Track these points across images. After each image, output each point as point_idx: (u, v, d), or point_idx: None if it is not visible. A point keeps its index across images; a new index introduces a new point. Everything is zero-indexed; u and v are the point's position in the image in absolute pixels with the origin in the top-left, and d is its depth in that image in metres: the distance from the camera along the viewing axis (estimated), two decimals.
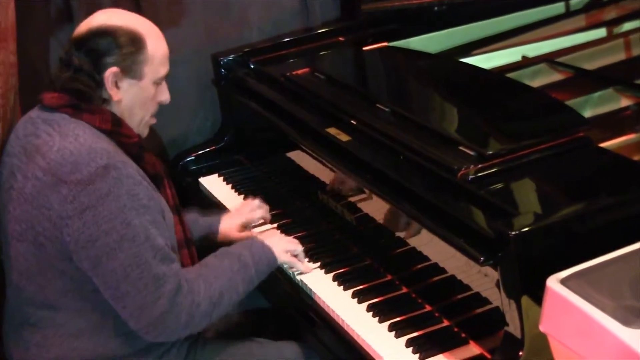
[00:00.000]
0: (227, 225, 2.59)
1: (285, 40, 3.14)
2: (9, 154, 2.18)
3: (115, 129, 2.14)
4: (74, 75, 2.12)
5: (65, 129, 2.09)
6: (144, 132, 2.28)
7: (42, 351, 2.14)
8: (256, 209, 2.64)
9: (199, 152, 3.06)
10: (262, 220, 2.65)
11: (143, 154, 2.19)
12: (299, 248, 2.39)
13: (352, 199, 2.41)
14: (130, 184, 2.03)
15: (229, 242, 2.45)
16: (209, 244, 2.52)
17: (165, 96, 2.27)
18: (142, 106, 2.22)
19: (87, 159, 2.01)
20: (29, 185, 2.07)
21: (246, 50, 3.06)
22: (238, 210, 2.65)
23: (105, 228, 1.99)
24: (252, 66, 3.00)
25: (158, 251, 2.04)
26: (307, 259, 2.41)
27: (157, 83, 2.22)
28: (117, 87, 2.14)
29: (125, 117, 2.19)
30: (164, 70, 2.22)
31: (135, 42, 2.14)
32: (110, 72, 2.12)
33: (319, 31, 3.22)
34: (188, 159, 3.05)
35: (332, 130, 2.43)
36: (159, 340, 2.13)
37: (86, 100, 2.12)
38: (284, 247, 2.35)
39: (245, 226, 2.62)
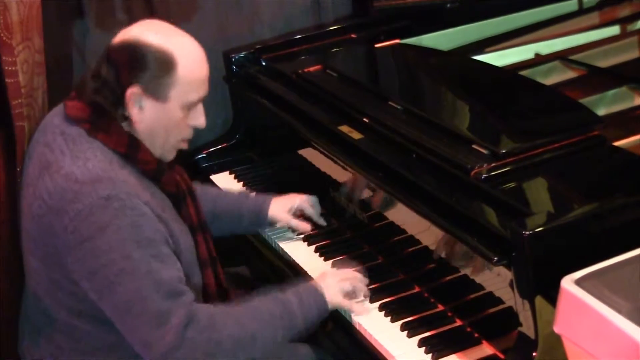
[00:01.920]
0: (277, 210, 2.52)
1: (297, 37, 3.13)
2: (30, 156, 2.12)
3: (130, 152, 2.04)
4: (99, 88, 2.03)
5: (77, 150, 2.00)
6: (168, 156, 2.15)
7: None
8: (307, 202, 2.55)
9: (210, 150, 3.05)
10: (310, 210, 2.56)
11: (161, 177, 2.10)
12: (357, 286, 2.21)
13: (363, 197, 2.40)
14: (133, 215, 1.93)
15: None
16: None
17: (199, 121, 2.14)
18: (165, 129, 2.09)
19: (89, 188, 1.93)
20: (36, 204, 2.01)
21: (258, 47, 3.05)
22: (291, 197, 2.56)
23: (103, 261, 1.92)
24: (264, 63, 2.99)
25: (161, 286, 1.94)
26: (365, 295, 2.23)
27: (186, 108, 2.08)
28: (140, 107, 2.03)
29: (146, 139, 2.07)
30: (195, 95, 2.08)
31: (164, 63, 2.01)
32: (132, 91, 2.01)
33: (331, 28, 3.21)
34: (199, 157, 3.04)
35: (344, 128, 2.42)
36: None
37: (105, 117, 2.04)
38: (338, 289, 2.17)
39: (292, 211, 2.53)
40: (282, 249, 2.48)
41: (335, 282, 2.18)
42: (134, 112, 2.03)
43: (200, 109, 2.13)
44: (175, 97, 2.04)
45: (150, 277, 1.93)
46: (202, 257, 2.19)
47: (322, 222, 2.56)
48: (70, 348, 2.11)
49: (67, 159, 2.00)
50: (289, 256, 2.46)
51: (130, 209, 1.93)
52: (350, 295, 2.18)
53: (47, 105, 2.48)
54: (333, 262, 2.39)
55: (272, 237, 2.55)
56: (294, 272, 2.43)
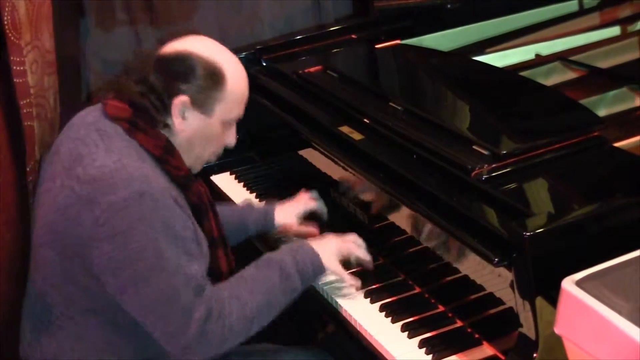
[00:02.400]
0: (283, 218, 2.51)
1: (298, 37, 3.14)
2: (58, 152, 2.11)
3: (164, 157, 2.06)
4: (145, 92, 2.05)
5: (112, 145, 2.02)
6: (197, 168, 2.20)
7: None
8: (313, 199, 2.56)
9: None
10: (320, 211, 2.56)
11: (190, 185, 2.12)
12: (354, 252, 2.25)
13: (364, 198, 2.40)
14: (165, 213, 1.95)
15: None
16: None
17: (231, 140, 2.20)
18: (203, 143, 2.14)
19: (124, 182, 1.94)
20: (63, 194, 2.00)
21: (258, 47, 3.05)
22: (294, 204, 2.55)
23: (135, 256, 1.92)
24: (264, 63, 2.99)
25: (190, 281, 1.96)
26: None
27: (226, 124, 2.14)
28: (184, 117, 2.06)
29: (183, 149, 2.10)
30: (237, 112, 2.15)
31: (215, 77, 2.06)
32: (179, 100, 2.04)
33: (332, 28, 3.22)
34: None
35: (345, 129, 2.42)
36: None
37: (147, 119, 2.06)
38: (335, 251, 2.21)
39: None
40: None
41: (332, 245, 2.21)
42: (177, 121, 2.06)
43: (234, 128, 2.19)
44: (219, 112, 2.09)
45: (180, 272, 1.95)
46: (222, 270, 2.18)
47: (323, 213, 2.56)
48: (72, 348, 2.10)
49: (101, 152, 2.00)
50: None
51: (162, 206, 1.95)
52: (347, 258, 2.23)
53: (58, 105, 2.46)
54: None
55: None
56: None
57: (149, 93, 2.05)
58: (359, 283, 2.24)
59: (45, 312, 2.12)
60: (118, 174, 1.95)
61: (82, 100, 3.01)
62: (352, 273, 2.27)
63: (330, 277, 2.30)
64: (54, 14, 2.77)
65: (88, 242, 1.95)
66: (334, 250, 2.20)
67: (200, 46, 2.09)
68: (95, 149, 2.02)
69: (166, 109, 2.05)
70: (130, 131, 2.05)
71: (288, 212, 2.51)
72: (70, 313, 2.08)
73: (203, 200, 2.15)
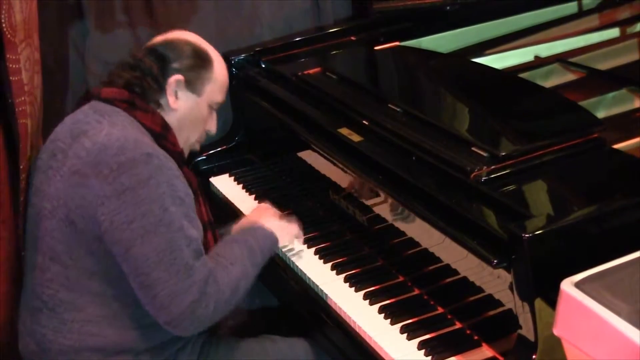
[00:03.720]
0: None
1: (297, 39, 3.14)
2: (52, 140, 2.21)
3: (163, 132, 2.21)
4: (139, 76, 2.22)
5: (115, 119, 2.15)
6: (186, 153, 2.34)
7: (59, 336, 2.15)
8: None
9: (210, 152, 3.05)
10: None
11: (182, 167, 2.22)
12: (296, 230, 2.45)
13: (363, 200, 2.40)
14: (170, 175, 2.08)
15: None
16: None
17: (213, 126, 2.40)
18: (192, 124, 2.31)
19: (132, 145, 2.06)
20: (68, 163, 2.10)
21: (257, 49, 3.05)
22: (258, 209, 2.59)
23: (143, 210, 2.01)
24: (264, 65, 2.99)
25: (191, 242, 2.07)
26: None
27: (211, 107, 2.34)
28: (177, 96, 2.25)
29: (175, 129, 2.26)
30: (221, 97, 2.35)
31: (203, 57, 2.29)
32: (174, 79, 2.23)
33: (331, 30, 3.22)
34: (199, 159, 3.03)
35: (344, 131, 2.42)
36: (187, 332, 2.12)
37: (144, 99, 2.21)
38: (286, 231, 2.40)
39: None
40: (284, 253, 2.48)
41: (281, 223, 2.41)
42: (171, 99, 2.24)
43: (215, 115, 2.40)
44: (207, 93, 2.30)
45: (182, 231, 2.05)
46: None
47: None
48: (72, 319, 2.14)
49: (105, 125, 2.14)
50: (290, 260, 2.46)
51: (167, 168, 2.09)
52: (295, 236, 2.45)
53: (42, 103, 2.47)
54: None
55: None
56: (294, 275, 2.44)
57: (145, 76, 2.23)
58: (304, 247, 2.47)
59: (44, 290, 2.16)
60: (125, 139, 2.07)
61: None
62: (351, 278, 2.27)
63: (328, 278, 2.32)
64: (47, 14, 2.79)
65: (94, 201, 2.04)
66: (284, 229, 2.39)
67: (185, 35, 2.33)
68: (98, 124, 2.14)
69: (161, 89, 2.24)
70: (128, 110, 2.20)
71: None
72: (71, 283, 2.13)
73: (193, 185, 2.23)
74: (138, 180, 2.02)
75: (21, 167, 2.27)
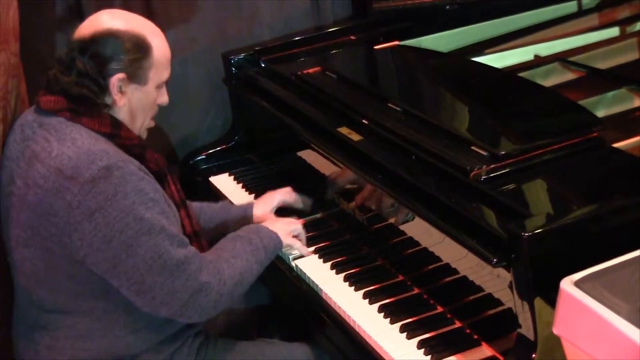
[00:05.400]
0: (262, 210, 2.59)
1: (297, 38, 3.14)
2: (7, 157, 2.16)
3: (114, 131, 2.12)
4: (78, 80, 2.08)
5: (62, 134, 2.06)
6: (144, 135, 2.26)
7: (54, 353, 2.14)
8: (290, 192, 2.64)
9: (210, 151, 3.06)
10: (298, 205, 2.65)
11: (145, 154, 2.17)
12: (298, 227, 2.45)
13: (362, 199, 2.40)
14: (134, 180, 2.01)
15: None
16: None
17: (164, 98, 2.26)
18: (143, 110, 2.20)
19: (86, 161, 1.99)
20: (30, 193, 2.04)
21: (257, 48, 3.05)
22: (271, 195, 2.64)
23: (118, 227, 1.97)
24: (263, 65, 2.99)
25: (174, 238, 2.05)
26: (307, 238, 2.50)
27: (159, 87, 2.21)
28: (122, 92, 2.13)
29: (127, 121, 2.17)
30: (166, 74, 2.21)
31: (142, 47, 2.12)
32: (116, 79, 2.10)
33: (330, 30, 3.22)
34: (198, 158, 3.04)
35: (344, 130, 2.42)
36: (192, 320, 2.13)
37: (88, 106, 2.10)
38: (287, 230, 2.40)
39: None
40: (284, 253, 2.47)
41: (282, 224, 2.41)
42: (117, 97, 2.12)
43: (164, 89, 2.25)
44: (153, 78, 2.16)
45: (164, 232, 2.02)
46: (187, 231, 2.23)
47: (302, 206, 2.65)
48: (65, 335, 2.13)
49: (53, 144, 2.05)
50: (290, 260, 2.46)
51: (129, 175, 2.01)
52: (294, 235, 2.44)
53: (20, 108, 2.45)
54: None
55: None
56: (294, 275, 2.44)
57: (83, 79, 2.08)
58: (309, 251, 2.44)
59: (35, 308, 2.15)
60: (77, 156, 2.00)
61: None
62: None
63: (328, 277, 2.33)
64: (46, 16, 2.78)
65: (65, 228, 2.00)
66: (286, 227, 2.40)
67: (118, 21, 2.13)
68: (47, 143, 2.06)
69: (103, 90, 2.10)
70: (72, 118, 2.09)
71: (264, 207, 2.60)
72: (59, 305, 2.11)
73: (160, 165, 2.21)
74: (104, 199, 1.97)
75: None
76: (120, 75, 2.10)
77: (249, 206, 2.60)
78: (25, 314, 2.20)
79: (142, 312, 2.08)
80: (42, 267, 2.08)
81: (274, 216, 2.57)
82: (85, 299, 2.10)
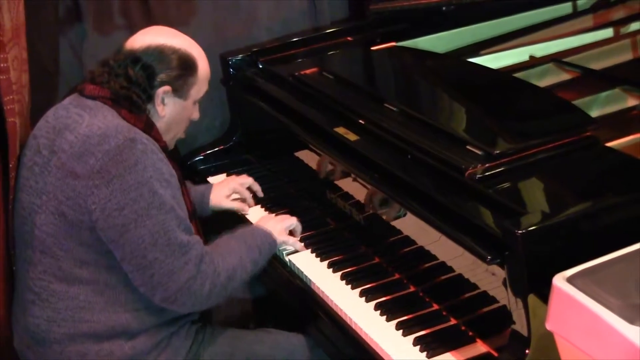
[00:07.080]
0: (216, 196, 2.68)
1: (294, 39, 3.14)
2: (35, 136, 2.24)
3: (147, 129, 2.21)
4: (128, 86, 2.20)
5: (96, 112, 2.17)
6: (171, 146, 2.38)
7: (53, 325, 2.18)
8: (244, 178, 2.75)
9: (208, 152, 3.07)
10: (250, 189, 2.75)
11: (168, 156, 2.24)
12: (293, 222, 2.51)
13: (359, 198, 2.42)
14: (155, 158, 2.11)
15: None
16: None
17: (197, 114, 2.42)
18: (179, 123, 2.35)
19: (114, 131, 2.10)
20: (54, 159, 2.13)
21: (255, 49, 3.06)
22: (227, 180, 2.76)
23: (133, 196, 2.05)
24: (261, 66, 3.00)
25: (182, 222, 2.13)
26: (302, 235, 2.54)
27: (195, 103, 2.37)
28: (164, 103, 2.26)
29: (162, 130, 2.28)
30: (204, 91, 2.37)
31: (189, 65, 2.27)
32: (163, 90, 2.24)
33: (328, 31, 3.22)
34: (196, 159, 3.06)
35: (341, 130, 2.44)
36: (184, 309, 2.18)
37: (131, 104, 2.20)
38: (281, 227, 2.46)
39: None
40: (281, 252, 2.49)
41: (276, 222, 2.48)
42: (160, 108, 2.26)
43: (197, 105, 2.41)
44: (192, 95, 2.32)
45: (173, 212, 2.11)
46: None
47: (258, 190, 2.77)
48: (66, 307, 2.17)
49: (86, 117, 2.16)
50: (287, 258, 2.47)
51: (151, 152, 2.12)
52: (290, 230, 2.50)
53: (30, 102, 2.47)
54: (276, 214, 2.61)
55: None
56: (291, 274, 2.45)
57: (132, 86, 2.21)
58: (301, 244, 2.49)
59: (36, 282, 2.19)
60: (106, 127, 2.11)
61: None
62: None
63: (325, 275, 2.34)
64: (45, 16, 2.79)
65: (83, 191, 2.08)
66: (280, 225, 2.46)
67: (170, 39, 2.28)
68: (79, 118, 2.17)
69: (149, 99, 2.24)
70: (113, 106, 2.20)
71: (220, 192, 2.69)
72: (63, 273, 2.16)
73: (177, 176, 2.25)
74: (125, 167, 2.06)
75: (10, 165, 2.28)
76: (167, 88, 2.24)
77: (207, 191, 2.69)
78: (27, 289, 2.21)
79: (142, 293, 2.13)
80: (52, 232, 2.14)
81: (232, 203, 2.69)
82: (90, 268, 2.15)
